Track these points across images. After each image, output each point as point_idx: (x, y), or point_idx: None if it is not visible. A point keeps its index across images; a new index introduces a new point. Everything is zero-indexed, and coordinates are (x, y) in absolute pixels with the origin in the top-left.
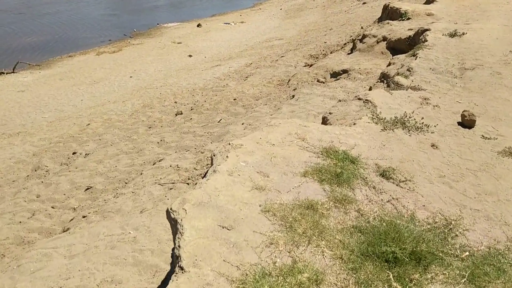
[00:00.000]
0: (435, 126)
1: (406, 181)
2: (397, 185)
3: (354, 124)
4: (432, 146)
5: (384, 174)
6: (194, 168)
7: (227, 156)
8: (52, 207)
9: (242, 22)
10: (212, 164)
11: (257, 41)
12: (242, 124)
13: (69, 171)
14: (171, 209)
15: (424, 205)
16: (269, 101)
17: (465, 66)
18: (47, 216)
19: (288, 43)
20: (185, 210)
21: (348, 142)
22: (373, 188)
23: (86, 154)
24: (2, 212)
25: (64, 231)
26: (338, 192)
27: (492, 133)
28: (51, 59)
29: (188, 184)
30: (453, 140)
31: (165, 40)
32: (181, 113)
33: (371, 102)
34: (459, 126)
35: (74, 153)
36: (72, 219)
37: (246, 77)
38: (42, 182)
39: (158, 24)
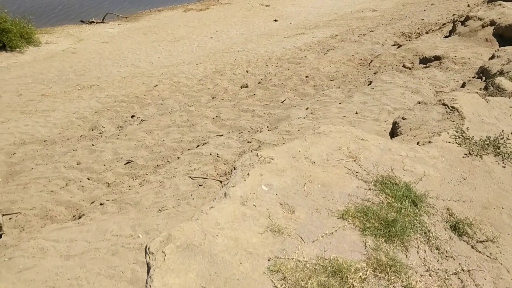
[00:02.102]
0: None
1: (487, 241)
2: (472, 246)
3: (429, 142)
4: None
5: (457, 228)
6: (234, 161)
7: (248, 174)
8: (88, 179)
9: None
10: (229, 180)
11: (348, 11)
12: (307, 109)
13: (117, 138)
14: (148, 249)
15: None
16: (344, 84)
17: None
18: (80, 188)
19: (381, 16)
20: (165, 255)
21: (415, 170)
22: (437, 249)
23: (141, 121)
24: (40, 176)
25: (79, 217)
26: (384, 252)
27: None
28: (140, 12)
29: (221, 182)
30: None
31: (254, 1)
32: (247, 86)
33: (458, 111)
34: None
35: (132, 116)
36: (93, 202)
37: (328, 51)
38: (92, 145)
39: None
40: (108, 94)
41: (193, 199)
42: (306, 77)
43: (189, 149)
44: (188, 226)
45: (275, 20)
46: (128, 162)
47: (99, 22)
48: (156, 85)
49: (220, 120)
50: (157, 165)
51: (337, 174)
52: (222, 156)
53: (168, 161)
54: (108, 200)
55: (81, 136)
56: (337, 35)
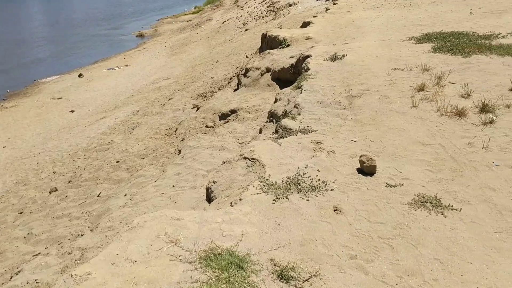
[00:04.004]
0: (333, 182)
1: (311, 278)
2: None
3: (240, 199)
4: (335, 210)
5: (283, 276)
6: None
7: None
8: None
9: (127, 65)
10: None
11: (143, 84)
12: (125, 195)
13: None
14: None
15: None
16: (156, 159)
17: (352, 93)
18: None
19: (176, 82)
20: None
21: (234, 233)
22: None
23: None
24: None
25: None
26: None
27: (397, 177)
28: None
29: None
30: (357, 197)
31: (44, 97)
32: (56, 190)
33: (258, 161)
34: (360, 174)
35: None
36: None
37: (133, 129)
38: None
39: (35, 80)
40: None
41: None
42: (117, 162)
43: (2, 283)
44: None
45: (72, 111)
46: None
47: None
48: None
49: (34, 237)
50: None
51: (162, 265)
52: (42, 281)
53: None
54: None
55: None
56: (138, 110)
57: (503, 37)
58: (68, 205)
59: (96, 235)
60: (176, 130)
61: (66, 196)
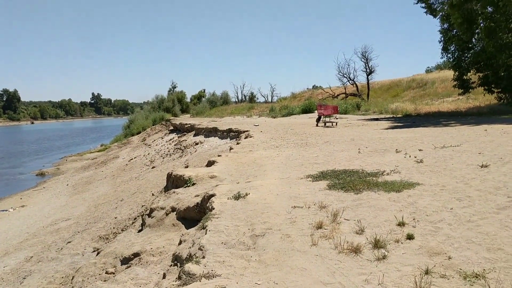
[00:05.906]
0: None
1: None
2: None
3: None
4: None
5: None
6: None
7: None
8: None
9: (23, 206)
10: None
11: (40, 226)
12: None
13: None
14: None
15: None
16: None
17: (255, 232)
18: None
19: (76, 223)
20: None
21: None
22: None
23: None
24: None
25: None
26: None
27: None
28: None
29: None
30: None
31: None
32: None
33: None
34: None
35: None
36: None
37: (24, 278)
38: None
39: None
40: None
41: None
42: None
43: None
44: None
45: None
46: None
47: None
48: None
49: None
50: None
51: None
52: None
53: None
54: None
55: None
56: (32, 256)
57: (387, 174)
58: None
59: None
60: (73, 278)
61: None
